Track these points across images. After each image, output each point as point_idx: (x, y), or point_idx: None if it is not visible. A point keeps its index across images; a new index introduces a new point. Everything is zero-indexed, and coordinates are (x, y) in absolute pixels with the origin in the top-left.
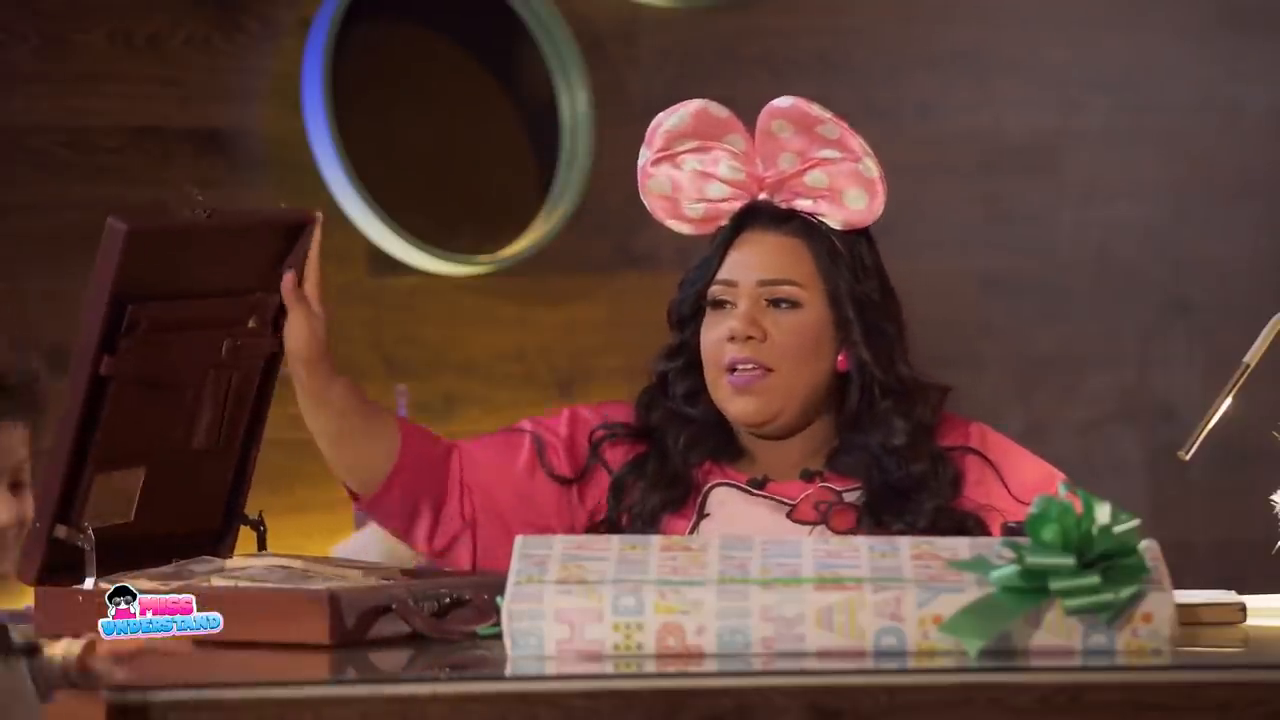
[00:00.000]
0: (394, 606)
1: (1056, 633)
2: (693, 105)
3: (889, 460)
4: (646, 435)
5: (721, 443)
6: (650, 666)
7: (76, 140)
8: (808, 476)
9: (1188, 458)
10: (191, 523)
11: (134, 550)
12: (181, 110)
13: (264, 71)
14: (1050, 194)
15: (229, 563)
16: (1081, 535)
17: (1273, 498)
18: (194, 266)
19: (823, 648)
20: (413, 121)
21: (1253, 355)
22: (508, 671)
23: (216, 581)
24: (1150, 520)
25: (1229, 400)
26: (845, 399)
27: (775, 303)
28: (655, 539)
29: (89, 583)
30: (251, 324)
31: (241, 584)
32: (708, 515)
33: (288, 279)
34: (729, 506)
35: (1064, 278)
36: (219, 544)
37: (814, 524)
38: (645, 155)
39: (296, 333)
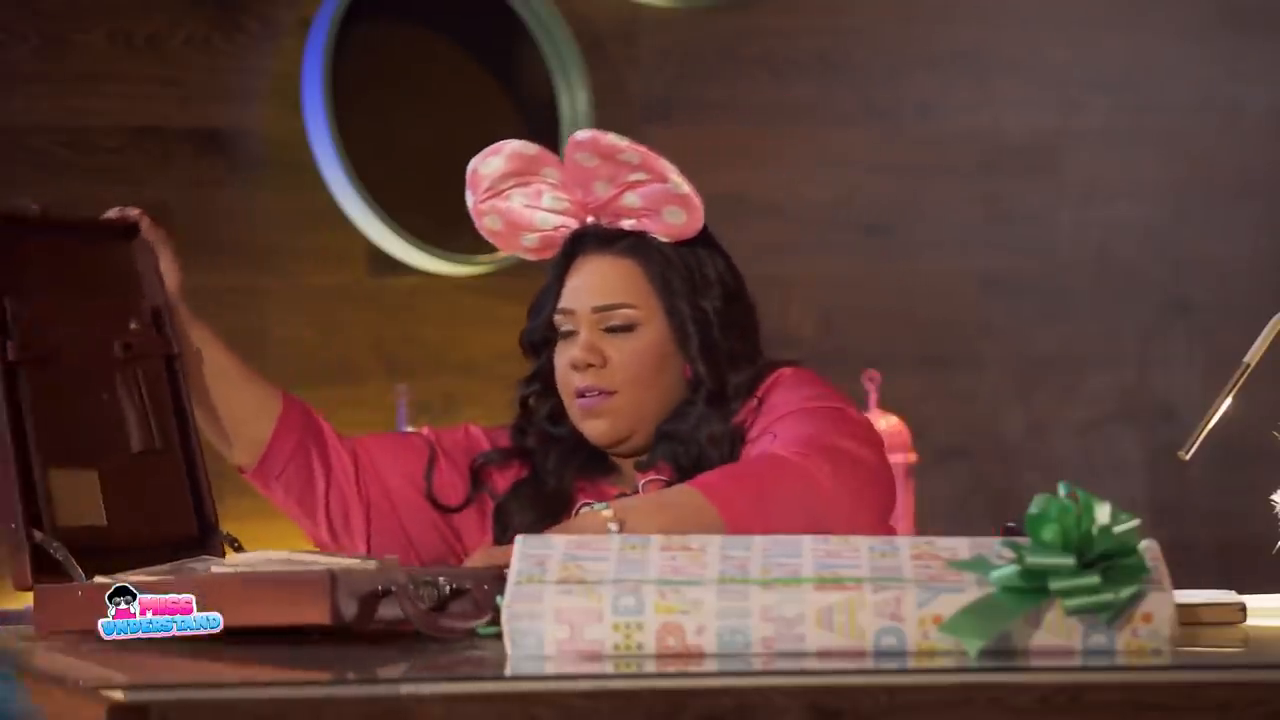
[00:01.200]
0: (394, 589)
1: (1056, 633)
2: (503, 147)
3: (692, 446)
4: (523, 457)
5: (590, 459)
6: (650, 666)
7: (76, 140)
8: (642, 468)
9: (1188, 458)
10: (167, 529)
11: (120, 557)
12: (181, 110)
13: (264, 71)
14: (1050, 194)
15: (227, 559)
16: (1081, 535)
17: (1273, 498)
18: (56, 269)
19: (823, 648)
20: (413, 121)
21: (1253, 355)
22: (508, 671)
23: (215, 568)
24: (1150, 520)
25: (1229, 400)
26: None
27: (612, 329)
28: (655, 538)
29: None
30: (134, 325)
31: (240, 570)
32: None
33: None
34: None
35: (1064, 278)
36: (205, 550)
37: None
38: (471, 199)
39: (173, 269)
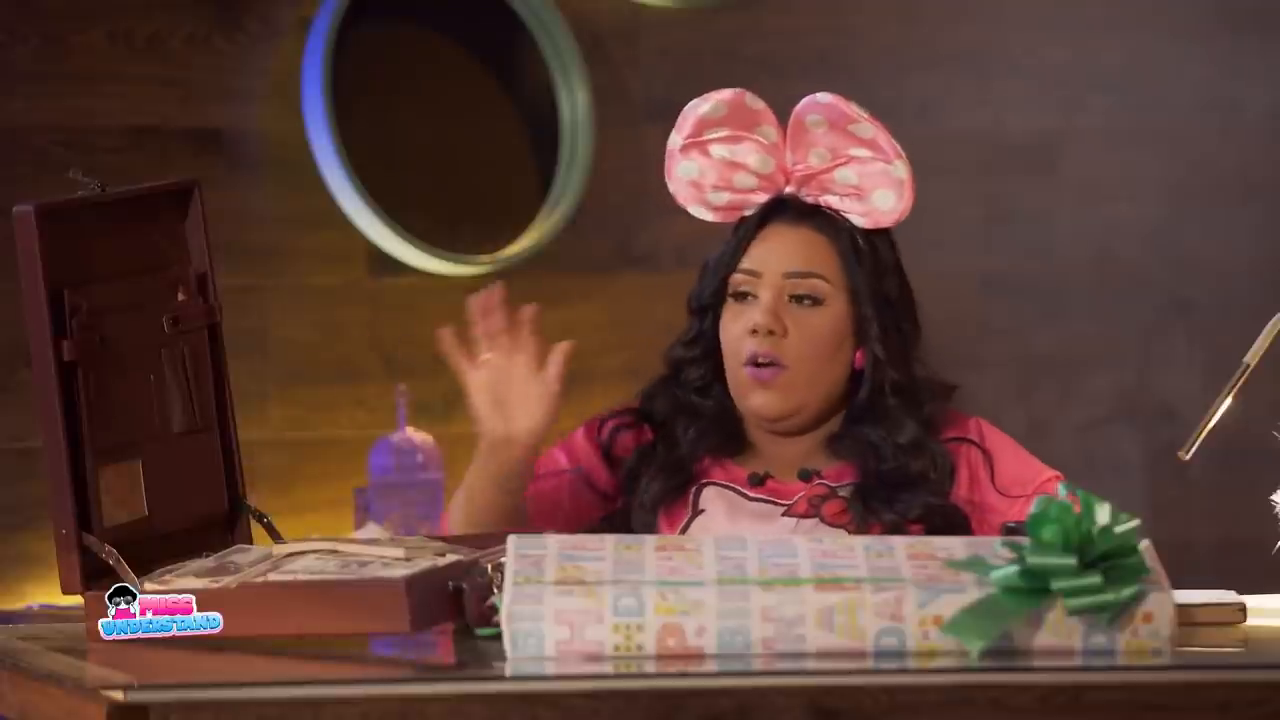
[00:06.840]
0: (465, 586)
1: (1057, 633)
2: (728, 94)
3: (886, 449)
4: (651, 421)
5: (727, 437)
6: (650, 667)
7: (76, 140)
8: (805, 476)
9: (1188, 458)
10: (198, 510)
11: (154, 546)
12: (181, 110)
13: (264, 71)
14: (1050, 194)
15: (275, 550)
16: (1082, 535)
17: (1273, 498)
18: (109, 250)
19: (823, 648)
20: (413, 121)
21: (1253, 355)
22: (508, 672)
23: (273, 577)
24: (1150, 520)
25: (1229, 400)
26: (856, 395)
27: (798, 299)
28: (650, 538)
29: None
30: (181, 296)
31: (301, 577)
32: (702, 511)
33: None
34: (722, 504)
35: (1064, 278)
36: (232, 531)
37: (806, 517)
38: (675, 140)
39: (541, 414)
